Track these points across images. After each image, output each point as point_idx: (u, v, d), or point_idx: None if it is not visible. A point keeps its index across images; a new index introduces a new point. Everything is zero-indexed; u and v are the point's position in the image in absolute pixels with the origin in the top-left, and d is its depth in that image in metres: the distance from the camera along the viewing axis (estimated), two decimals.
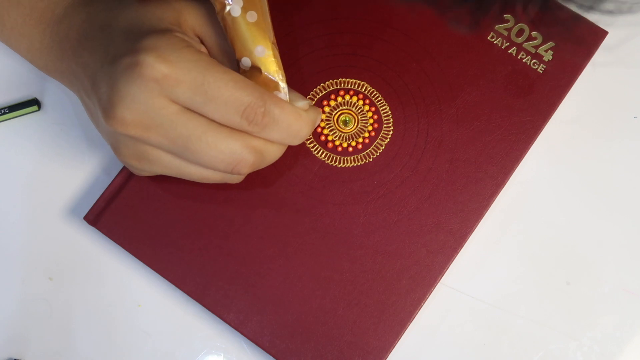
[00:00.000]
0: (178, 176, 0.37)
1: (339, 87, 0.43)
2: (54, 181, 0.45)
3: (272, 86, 0.36)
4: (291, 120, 0.35)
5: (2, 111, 0.44)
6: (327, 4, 0.44)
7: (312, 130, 0.37)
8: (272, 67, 0.36)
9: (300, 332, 0.41)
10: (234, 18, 0.35)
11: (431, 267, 0.41)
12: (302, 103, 0.37)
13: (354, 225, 0.42)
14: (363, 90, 0.43)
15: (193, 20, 0.37)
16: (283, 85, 0.36)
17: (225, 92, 0.33)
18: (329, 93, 0.43)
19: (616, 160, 0.44)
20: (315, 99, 0.43)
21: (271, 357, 0.41)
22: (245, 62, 0.36)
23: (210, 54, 0.38)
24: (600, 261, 0.42)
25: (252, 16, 0.35)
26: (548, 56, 0.43)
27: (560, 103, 0.42)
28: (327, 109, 0.43)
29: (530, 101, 0.42)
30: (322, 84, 0.43)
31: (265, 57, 0.36)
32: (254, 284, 0.41)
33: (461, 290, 0.42)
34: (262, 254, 0.41)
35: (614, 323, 0.42)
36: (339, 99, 0.43)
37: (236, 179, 0.39)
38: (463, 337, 0.42)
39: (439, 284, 0.41)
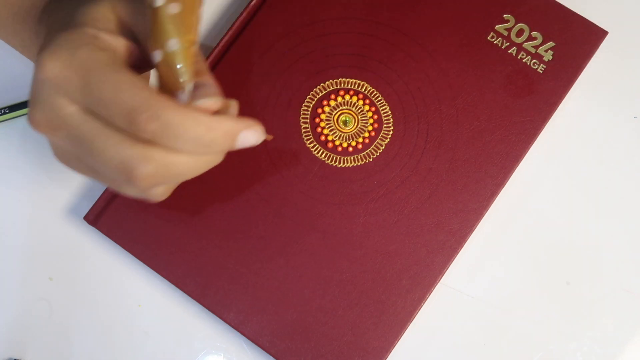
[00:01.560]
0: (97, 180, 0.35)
1: (339, 87, 0.43)
2: (53, 181, 0.45)
3: (176, 85, 0.33)
4: (188, 126, 0.31)
5: (2, 111, 0.45)
6: (327, 5, 0.44)
7: (231, 139, 0.32)
8: (179, 62, 0.32)
9: (300, 332, 0.41)
10: (155, 8, 0.32)
11: (431, 267, 0.41)
12: (208, 102, 0.33)
13: (354, 225, 0.42)
14: (363, 90, 0.43)
15: (124, 11, 0.35)
16: (188, 85, 0.33)
17: (107, 94, 0.31)
18: (329, 93, 0.43)
19: (616, 160, 0.44)
20: (316, 99, 0.43)
21: (271, 357, 0.41)
22: (156, 56, 0.33)
23: (142, 47, 0.35)
24: (600, 261, 0.42)
25: (174, 7, 0.32)
26: (548, 56, 0.43)
27: (560, 103, 0.42)
28: (327, 108, 0.43)
29: (530, 101, 0.42)
30: (322, 84, 0.43)
31: (176, 52, 0.32)
32: (254, 284, 0.41)
33: (461, 290, 0.42)
34: (262, 253, 0.42)
35: (614, 323, 0.42)
36: (339, 99, 0.43)
37: (154, 194, 0.34)
38: (463, 337, 0.42)
39: (439, 284, 0.41)
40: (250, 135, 0.33)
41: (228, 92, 0.44)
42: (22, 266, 0.44)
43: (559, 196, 0.43)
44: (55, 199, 0.44)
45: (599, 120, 0.44)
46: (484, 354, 0.42)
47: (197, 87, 0.33)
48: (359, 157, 0.43)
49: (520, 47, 0.43)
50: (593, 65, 0.44)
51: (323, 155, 0.43)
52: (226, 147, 0.32)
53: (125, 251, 0.42)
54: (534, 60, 0.43)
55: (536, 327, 0.42)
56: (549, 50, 0.43)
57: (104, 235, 0.42)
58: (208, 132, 0.31)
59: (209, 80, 0.34)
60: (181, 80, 0.32)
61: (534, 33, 0.43)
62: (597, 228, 0.43)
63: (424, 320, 0.42)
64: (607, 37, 0.43)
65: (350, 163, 0.42)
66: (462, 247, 0.41)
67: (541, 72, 0.43)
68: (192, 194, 0.42)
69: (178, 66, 0.32)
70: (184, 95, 0.33)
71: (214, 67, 0.44)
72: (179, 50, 0.32)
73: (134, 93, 0.31)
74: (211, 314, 0.42)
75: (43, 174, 0.45)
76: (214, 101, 0.33)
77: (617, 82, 0.45)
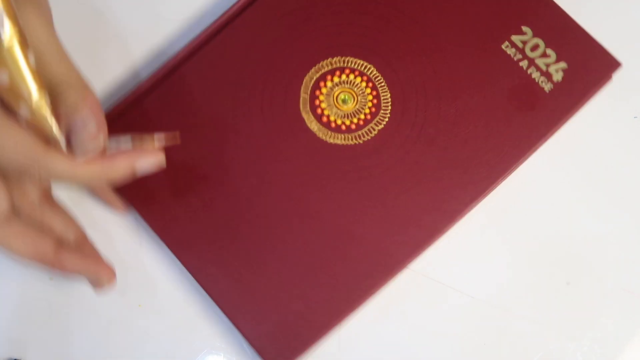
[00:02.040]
0: None
1: (345, 65, 0.43)
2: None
3: (50, 137, 0.33)
4: (81, 172, 0.34)
5: None
6: None
7: (130, 170, 0.36)
8: (43, 117, 0.32)
9: (252, 292, 0.41)
10: None
11: (394, 258, 0.41)
12: (90, 154, 0.34)
13: (328, 201, 0.42)
14: (368, 72, 0.43)
15: None
16: (60, 139, 0.33)
17: None
18: (335, 70, 0.43)
19: (616, 160, 0.44)
20: (320, 73, 0.43)
21: (219, 309, 0.41)
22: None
23: None
24: (600, 261, 0.42)
25: (3, 77, 0.31)
26: (558, 76, 0.42)
27: (560, 127, 0.42)
28: (329, 84, 0.43)
29: (530, 118, 0.42)
30: (329, 59, 0.43)
31: (29, 116, 0.31)
32: (222, 242, 0.42)
33: (461, 290, 0.42)
34: (231, 211, 0.42)
35: (614, 323, 0.42)
36: (343, 77, 0.43)
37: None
38: (463, 337, 0.42)
39: (440, 285, 0.41)
40: (147, 161, 0.36)
41: (240, 46, 0.44)
42: (22, 266, 0.44)
43: (559, 196, 0.43)
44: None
45: (599, 120, 0.44)
46: (484, 354, 0.42)
47: (75, 130, 0.33)
48: (350, 136, 0.42)
49: (532, 62, 0.43)
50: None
51: (315, 127, 0.42)
52: (127, 175, 0.36)
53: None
54: (542, 78, 0.42)
55: (536, 327, 0.42)
56: (560, 71, 0.43)
57: None
58: (102, 173, 0.35)
59: (84, 113, 0.34)
60: (51, 133, 0.32)
61: (548, 50, 0.43)
62: (597, 228, 0.43)
63: (424, 320, 0.42)
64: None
65: (341, 141, 0.42)
66: (429, 245, 0.41)
67: (547, 91, 0.42)
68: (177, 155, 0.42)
69: (45, 125, 0.32)
70: (62, 145, 0.33)
71: (235, 19, 0.44)
72: (33, 111, 0.31)
73: (21, 154, 0.32)
74: (211, 314, 0.42)
75: None
76: (94, 148, 0.34)
77: (616, 82, 0.44)
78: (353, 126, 0.43)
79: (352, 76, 0.43)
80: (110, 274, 0.39)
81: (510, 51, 0.43)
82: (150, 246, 0.43)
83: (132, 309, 0.43)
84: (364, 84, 0.43)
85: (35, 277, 0.44)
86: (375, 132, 0.42)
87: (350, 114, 0.43)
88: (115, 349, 0.43)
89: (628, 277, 0.42)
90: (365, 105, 0.43)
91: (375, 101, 0.43)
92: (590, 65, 0.43)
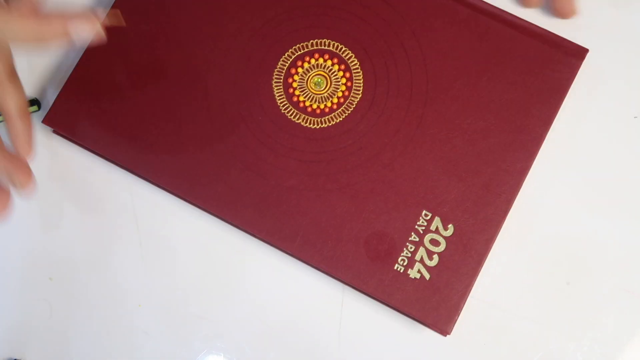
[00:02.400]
0: None
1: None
2: (53, 181, 0.45)
3: None
4: (14, 24, 0.35)
5: None
6: None
7: (63, 31, 0.36)
8: None
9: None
10: None
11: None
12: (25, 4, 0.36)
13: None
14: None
15: None
16: None
17: None
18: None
19: (616, 160, 0.44)
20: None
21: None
22: None
23: None
24: (600, 261, 0.42)
25: None
26: (417, 274, 0.41)
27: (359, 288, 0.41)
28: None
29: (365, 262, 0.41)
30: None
31: None
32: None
33: None
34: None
35: (614, 323, 0.42)
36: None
37: None
38: (463, 337, 0.42)
39: None
40: (82, 27, 0.36)
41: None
42: (22, 266, 0.44)
43: (559, 196, 0.43)
44: (55, 199, 0.44)
45: (599, 120, 0.44)
46: (484, 354, 0.42)
47: None
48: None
49: (421, 243, 0.41)
50: (589, 66, 0.43)
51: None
52: (60, 38, 0.36)
53: (126, 251, 0.42)
54: (405, 261, 0.41)
55: (536, 327, 0.42)
56: (424, 272, 0.41)
57: (104, 236, 0.42)
58: (36, 30, 0.35)
59: None
60: None
61: (434, 256, 0.41)
62: (597, 228, 0.43)
63: None
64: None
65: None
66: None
67: (399, 270, 0.41)
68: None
69: None
70: None
71: None
72: None
73: None
74: (212, 314, 0.42)
75: (42, 174, 0.45)
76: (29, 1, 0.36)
77: (616, 82, 0.45)
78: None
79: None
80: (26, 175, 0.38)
81: (422, 218, 0.42)
82: (150, 246, 0.44)
83: (132, 309, 0.43)
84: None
85: (35, 277, 0.44)
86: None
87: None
88: (115, 349, 0.43)
89: (628, 277, 0.42)
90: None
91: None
92: (430, 306, 0.40)
